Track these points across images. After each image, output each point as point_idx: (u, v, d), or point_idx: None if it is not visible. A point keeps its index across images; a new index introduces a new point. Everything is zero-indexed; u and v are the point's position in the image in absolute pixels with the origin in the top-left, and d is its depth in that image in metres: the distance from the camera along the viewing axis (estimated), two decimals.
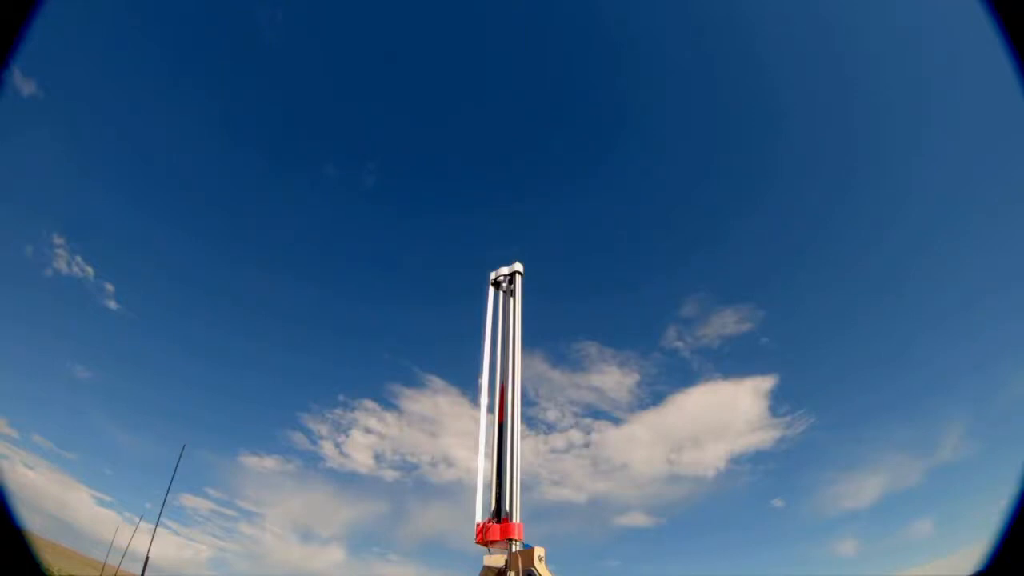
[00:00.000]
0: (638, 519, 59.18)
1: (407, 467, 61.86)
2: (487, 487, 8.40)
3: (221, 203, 74.10)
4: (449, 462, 58.93)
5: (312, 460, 61.03)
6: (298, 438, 60.84)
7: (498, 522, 7.86)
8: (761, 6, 61.66)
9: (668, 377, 66.43)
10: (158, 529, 29.65)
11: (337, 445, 60.43)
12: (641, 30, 63.82)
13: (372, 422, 61.25)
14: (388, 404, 64.10)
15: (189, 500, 54.91)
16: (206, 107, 70.54)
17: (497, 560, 7.55)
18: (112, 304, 57.28)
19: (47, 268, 54.00)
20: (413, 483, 62.33)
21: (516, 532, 7.55)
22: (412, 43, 67.89)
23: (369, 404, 62.03)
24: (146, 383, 69.76)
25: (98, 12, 55.83)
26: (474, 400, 9.46)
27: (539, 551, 7.16)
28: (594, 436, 61.43)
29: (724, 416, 61.01)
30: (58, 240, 53.91)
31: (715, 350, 62.71)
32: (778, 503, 56.67)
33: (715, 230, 69.79)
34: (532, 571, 6.98)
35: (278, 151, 74.98)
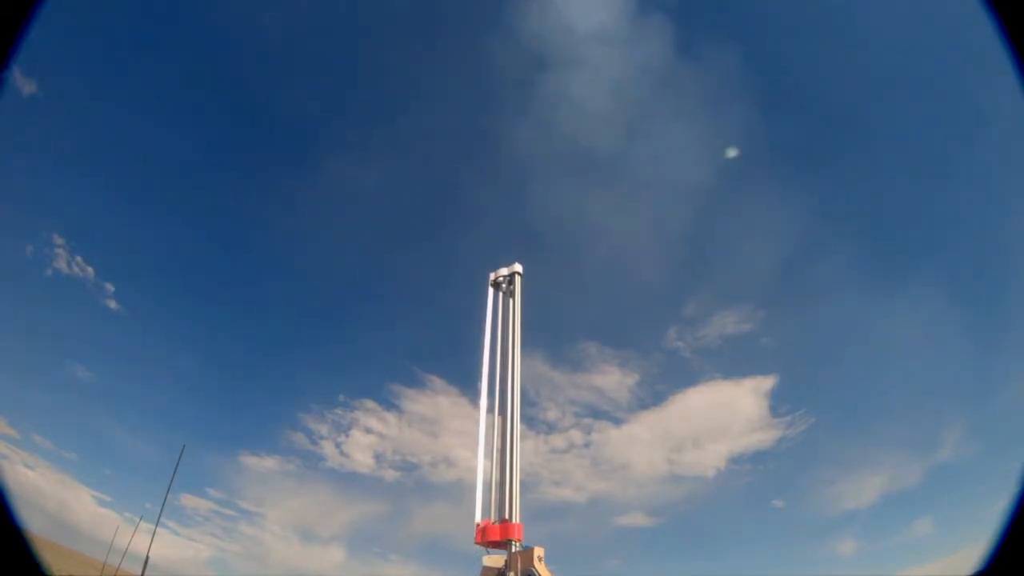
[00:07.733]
0: (638, 519, 59.24)
1: (407, 467, 61.88)
2: (487, 487, 8.40)
3: (221, 203, 74.19)
4: (449, 462, 59.03)
5: (312, 460, 61.07)
6: (298, 438, 60.90)
7: (498, 522, 7.86)
8: (761, 4, 61.71)
9: (668, 377, 66.38)
10: (158, 529, 29.75)
11: (337, 445, 60.48)
12: (643, 29, 63.84)
13: (372, 422, 61.32)
14: (388, 404, 64.11)
15: (189, 500, 54.94)
16: (206, 107, 70.56)
17: (497, 560, 7.55)
18: (112, 304, 57.36)
19: (47, 268, 54.12)
20: (413, 483, 62.37)
21: (516, 532, 7.54)
22: (411, 43, 67.91)
23: (369, 404, 62.08)
24: (146, 383, 69.82)
25: (98, 12, 55.92)
26: (474, 400, 9.48)
27: (539, 551, 7.15)
28: (594, 436, 61.44)
29: (724, 416, 61.05)
30: (58, 240, 54.00)
31: (715, 350, 62.70)
32: (778, 503, 56.69)
33: (715, 229, 69.84)
34: (532, 571, 6.97)
35: (278, 151, 75.08)
